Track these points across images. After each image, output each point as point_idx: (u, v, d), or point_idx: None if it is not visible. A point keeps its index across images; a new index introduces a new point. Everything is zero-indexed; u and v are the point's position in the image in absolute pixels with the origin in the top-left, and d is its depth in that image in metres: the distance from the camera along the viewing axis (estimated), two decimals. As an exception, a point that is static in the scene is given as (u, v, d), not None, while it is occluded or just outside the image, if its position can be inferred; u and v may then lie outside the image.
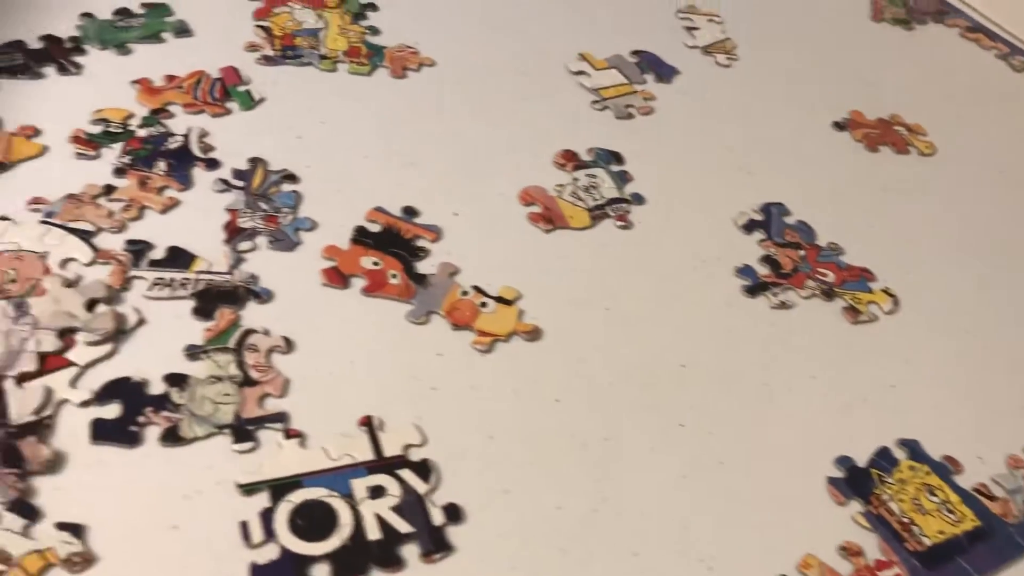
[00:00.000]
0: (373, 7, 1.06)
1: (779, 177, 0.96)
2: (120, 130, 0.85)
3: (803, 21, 1.20)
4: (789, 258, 0.87)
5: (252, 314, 0.73)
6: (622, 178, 0.92)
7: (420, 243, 0.82)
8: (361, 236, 0.81)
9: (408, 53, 1.01)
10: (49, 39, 0.92)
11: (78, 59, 0.91)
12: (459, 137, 0.93)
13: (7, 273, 0.71)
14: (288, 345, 0.71)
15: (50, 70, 0.89)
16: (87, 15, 0.95)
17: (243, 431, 0.65)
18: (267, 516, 0.61)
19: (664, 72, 1.07)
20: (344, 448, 0.66)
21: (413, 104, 0.96)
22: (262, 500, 0.63)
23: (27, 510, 0.59)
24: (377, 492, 0.64)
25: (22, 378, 0.65)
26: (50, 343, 0.67)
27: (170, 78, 0.91)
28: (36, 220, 0.76)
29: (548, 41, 1.07)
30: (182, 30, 0.96)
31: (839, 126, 1.05)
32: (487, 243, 0.84)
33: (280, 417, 0.67)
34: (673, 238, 0.87)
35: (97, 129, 0.84)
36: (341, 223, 0.82)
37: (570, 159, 0.93)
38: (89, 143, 0.83)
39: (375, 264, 0.79)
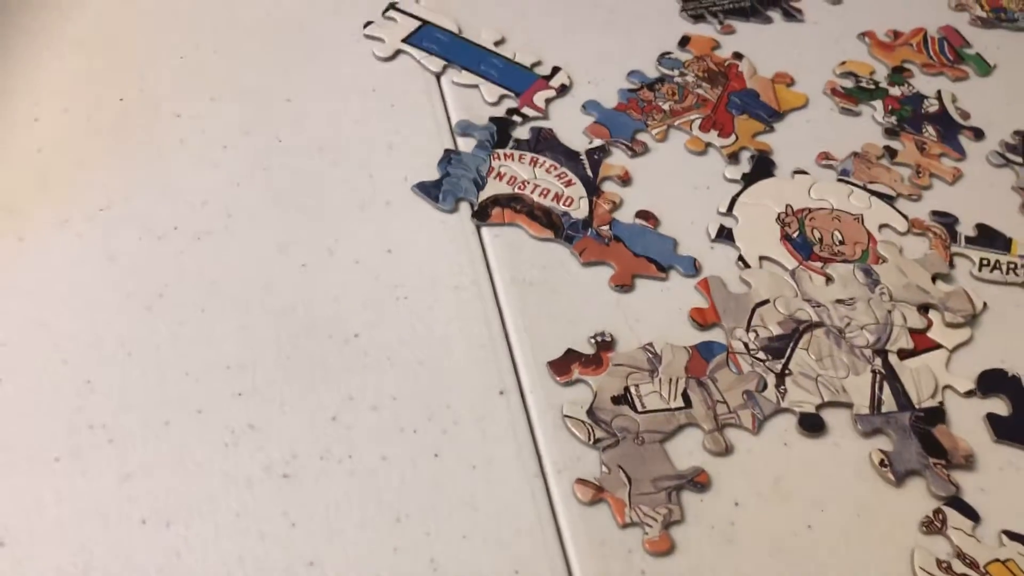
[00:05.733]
0: (1062, -32, 0.92)
1: None
2: (871, 86, 0.77)
3: None
4: None
5: (1091, 313, 0.63)
6: None
7: None
8: None
9: (1126, 23, 0.87)
10: (763, -19, 0.85)
11: (796, 4, 0.84)
12: None
13: (834, 234, 0.64)
14: None
15: (774, 14, 0.82)
16: (785, -42, 0.88)
17: None
18: None
19: None
20: None
21: None
22: None
23: (969, 511, 0.52)
24: None
25: (900, 355, 0.58)
26: (915, 319, 0.60)
27: (895, 34, 0.82)
28: (833, 178, 0.69)
29: None
30: (885, -19, 0.87)
31: None
32: None
33: None
34: None
35: (849, 83, 0.77)
36: None
37: None
38: (847, 97, 0.75)
39: None
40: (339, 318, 0.56)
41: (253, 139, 0.65)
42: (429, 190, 0.63)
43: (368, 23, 0.74)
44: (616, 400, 0.54)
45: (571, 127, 0.70)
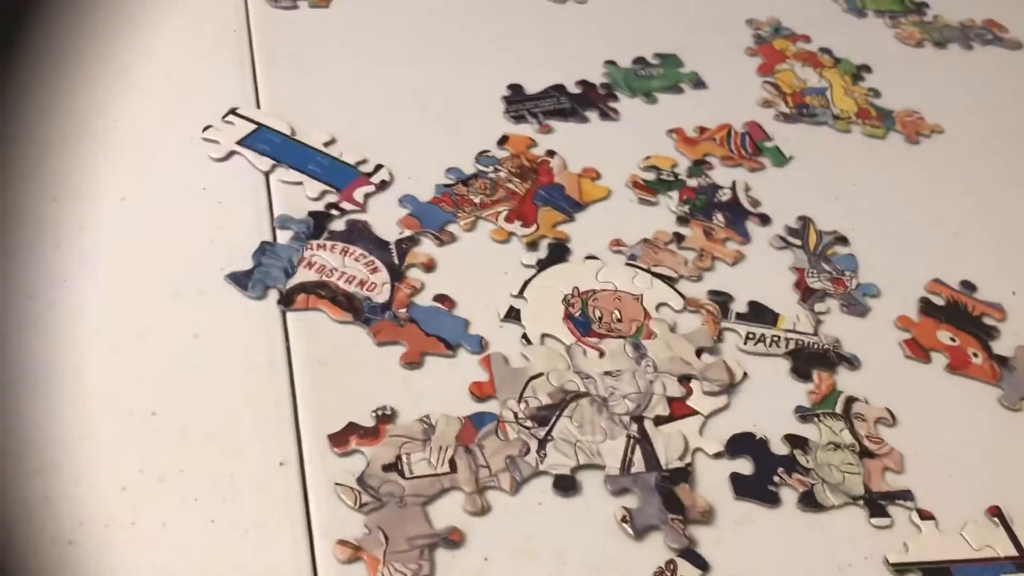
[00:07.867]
0: (868, 69, 1.03)
1: None
2: (671, 178, 0.85)
3: None
4: None
5: (844, 380, 0.71)
6: None
7: (987, 320, 0.77)
8: (929, 308, 0.77)
9: (917, 119, 0.97)
10: (584, 84, 0.94)
11: (613, 105, 0.92)
12: (995, 209, 0.89)
13: (614, 313, 0.71)
14: (892, 417, 0.68)
15: (592, 114, 0.91)
16: (611, 63, 0.98)
17: (876, 505, 0.62)
18: (930, 601, 0.58)
19: None
20: (983, 539, 0.62)
21: (933, 171, 0.93)
22: (914, 583, 0.59)
23: (699, 561, 0.58)
24: (1035, 594, 0.59)
25: (657, 421, 0.65)
26: (674, 388, 0.67)
27: (701, 130, 0.91)
28: (621, 262, 0.76)
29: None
30: (699, 82, 0.97)
31: None
32: (1055, 329, 0.78)
33: (908, 495, 0.64)
34: None
35: (651, 176, 0.85)
36: (901, 292, 0.79)
37: (1118, 244, 0.86)
38: (647, 189, 0.84)
39: (952, 340, 0.75)
40: (139, 396, 0.62)
41: (85, 236, 0.72)
42: (240, 279, 0.69)
43: (207, 127, 0.82)
44: (387, 468, 0.60)
45: (387, 219, 0.77)
